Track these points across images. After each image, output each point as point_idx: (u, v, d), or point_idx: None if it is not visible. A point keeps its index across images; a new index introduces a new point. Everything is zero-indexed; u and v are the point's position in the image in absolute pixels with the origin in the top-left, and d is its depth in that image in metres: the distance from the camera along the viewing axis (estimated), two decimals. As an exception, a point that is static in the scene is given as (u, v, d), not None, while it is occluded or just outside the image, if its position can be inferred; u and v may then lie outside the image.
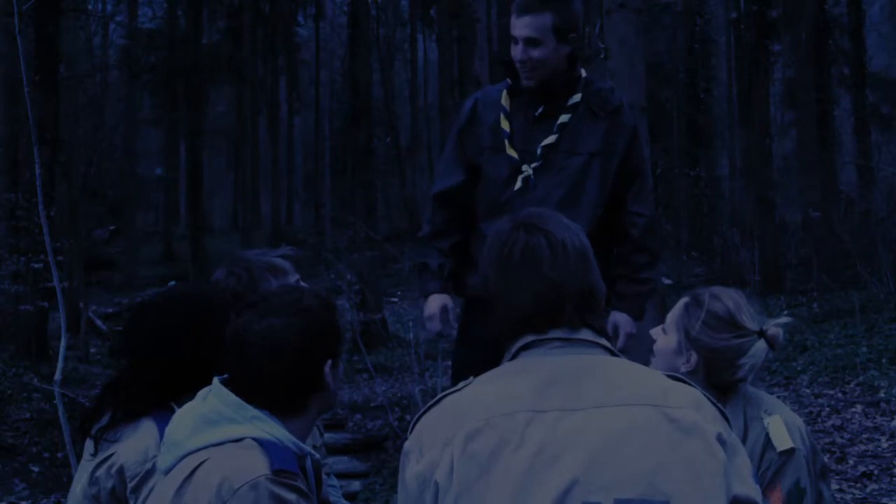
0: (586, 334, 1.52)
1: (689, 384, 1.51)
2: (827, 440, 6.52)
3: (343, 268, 13.29)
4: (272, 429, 1.65)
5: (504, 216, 2.56)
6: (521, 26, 2.79)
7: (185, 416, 1.68)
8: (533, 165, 2.83)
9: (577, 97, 2.87)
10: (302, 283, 2.34)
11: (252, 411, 1.65)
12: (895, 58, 27.23)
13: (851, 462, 6.00)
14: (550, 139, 2.84)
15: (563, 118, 2.85)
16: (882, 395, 7.66)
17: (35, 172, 5.24)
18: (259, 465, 1.56)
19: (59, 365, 4.85)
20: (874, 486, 5.51)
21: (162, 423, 1.89)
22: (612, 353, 1.53)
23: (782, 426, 2.03)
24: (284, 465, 1.58)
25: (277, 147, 30.41)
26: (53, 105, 12.59)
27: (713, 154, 23.49)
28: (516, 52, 2.81)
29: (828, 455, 6.02)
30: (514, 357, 1.54)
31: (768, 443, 2.02)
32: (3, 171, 12.12)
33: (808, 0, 16.75)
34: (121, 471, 1.94)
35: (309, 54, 32.24)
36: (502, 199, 2.84)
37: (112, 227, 23.27)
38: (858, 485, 5.55)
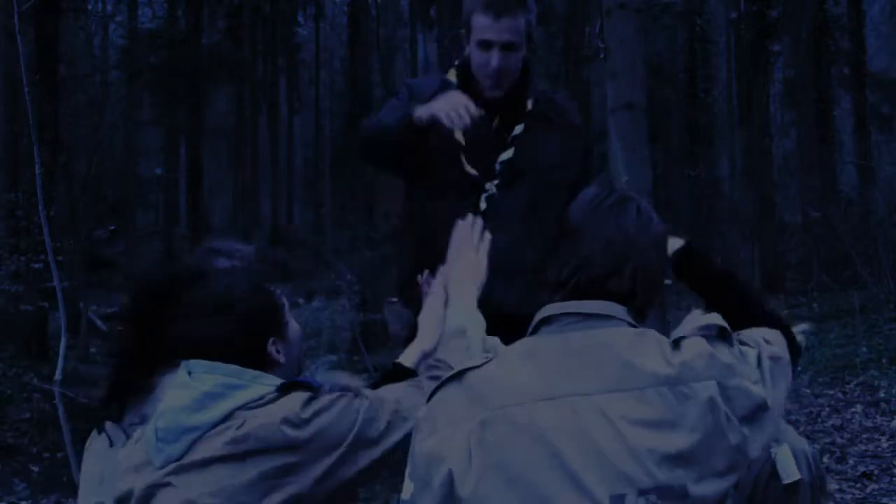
0: (619, 312, 1.53)
1: (692, 337, 1.50)
2: (827, 440, 6.51)
3: (343, 268, 13.28)
4: (274, 380, 1.71)
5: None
6: (500, 30, 2.49)
7: (177, 407, 1.68)
8: (495, 183, 2.59)
9: (529, 104, 2.66)
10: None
11: (251, 372, 1.70)
12: (895, 58, 27.22)
13: (851, 462, 6.00)
14: (508, 154, 2.61)
15: (518, 130, 2.63)
16: (882, 395, 7.66)
17: (35, 172, 5.23)
18: (297, 396, 1.66)
19: (59, 365, 4.85)
20: (874, 486, 5.50)
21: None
22: (631, 324, 1.54)
23: (790, 458, 1.98)
24: (315, 383, 1.71)
25: (277, 147, 30.39)
26: (53, 105, 12.58)
27: (713, 154, 23.48)
28: (490, 58, 2.52)
29: (828, 455, 6.01)
30: (534, 331, 1.56)
31: (774, 473, 1.97)
32: (4, 171, 12.12)
33: (808, 0, 16.75)
34: None
35: (309, 54, 32.23)
36: (460, 211, 2.55)
37: (112, 227, 23.27)
38: (858, 485, 5.54)
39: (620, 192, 1.62)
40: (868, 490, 5.45)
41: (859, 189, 17.12)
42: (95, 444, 2.10)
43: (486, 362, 1.51)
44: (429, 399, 1.53)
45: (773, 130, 20.58)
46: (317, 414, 1.64)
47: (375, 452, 1.68)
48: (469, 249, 2.11)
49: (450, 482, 1.40)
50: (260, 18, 26.58)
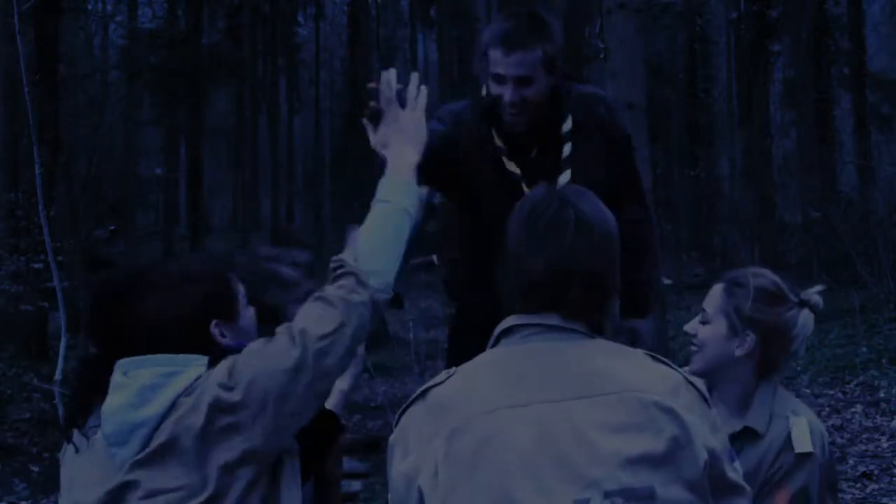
0: (577, 325, 1.51)
1: (671, 367, 1.51)
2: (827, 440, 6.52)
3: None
4: (205, 358, 1.73)
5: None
6: (511, 65, 2.45)
7: (117, 406, 1.68)
8: None
9: (569, 123, 2.60)
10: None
11: (183, 357, 1.72)
12: (895, 58, 27.21)
13: (851, 462, 6.00)
14: (566, 177, 2.55)
15: (567, 150, 2.59)
16: (882, 395, 7.67)
17: (35, 172, 5.24)
18: (223, 363, 1.69)
19: (59, 365, 4.86)
20: (874, 486, 5.51)
21: None
22: (592, 336, 1.53)
23: (806, 430, 2.02)
24: (240, 345, 1.75)
25: (277, 147, 30.39)
26: (53, 105, 12.57)
27: (713, 154, 23.50)
28: (504, 92, 2.49)
29: (828, 455, 6.03)
30: (495, 343, 1.55)
31: (787, 443, 2.01)
32: (4, 171, 12.11)
33: (808, 0, 16.75)
34: None
35: (309, 54, 32.22)
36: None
37: (112, 227, 23.25)
38: (858, 485, 5.55)
39: (557, 198, 1.55)
40: (868, 490, 5.46)
41: (859, 189, 17.11)
42: (67, 450, 2.11)
43: (448, 377, 1.51)
44: (396, 423, 1.52)
45: (773, 130, 20.58)
46: (239, 372, 1.67)
47: (307, 377, 1.69)
48: (401, 108, 1.99)
49: (420, 498, 1.40)
50: (260, 18, 26.58)
